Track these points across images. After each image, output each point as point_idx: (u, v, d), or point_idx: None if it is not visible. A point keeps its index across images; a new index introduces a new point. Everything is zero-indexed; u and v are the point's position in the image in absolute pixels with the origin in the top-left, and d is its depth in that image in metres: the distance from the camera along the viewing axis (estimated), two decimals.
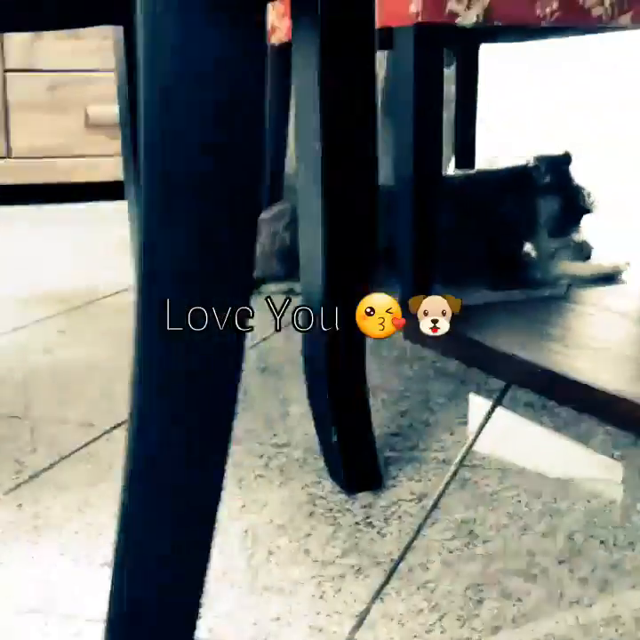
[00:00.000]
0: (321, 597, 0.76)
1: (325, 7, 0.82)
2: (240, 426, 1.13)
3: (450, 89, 2.27)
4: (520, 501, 0.92)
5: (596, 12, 1.51)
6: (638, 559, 0.81)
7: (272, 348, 1.46)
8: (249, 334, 1.70)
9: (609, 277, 1.87)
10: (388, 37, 1.48)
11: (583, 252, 1.91)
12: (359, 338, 0.92)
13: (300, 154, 0.89)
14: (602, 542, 0.84)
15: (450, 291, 1.84)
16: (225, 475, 0.60)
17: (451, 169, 2.25)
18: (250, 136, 0.48)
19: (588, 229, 1.97)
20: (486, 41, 1.99)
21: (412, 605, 0.74)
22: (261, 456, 1.04)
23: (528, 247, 1.91)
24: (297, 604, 0.75)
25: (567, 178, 1.91)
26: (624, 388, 1.12)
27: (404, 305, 1.55)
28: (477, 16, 1.43)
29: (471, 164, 2.12)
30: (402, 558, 0.82)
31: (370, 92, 0.85)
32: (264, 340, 1.52)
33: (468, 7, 1.42)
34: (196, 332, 0.51)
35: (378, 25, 1.52)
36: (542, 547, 0.83)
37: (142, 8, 0.46)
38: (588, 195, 1.90)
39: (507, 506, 0.91)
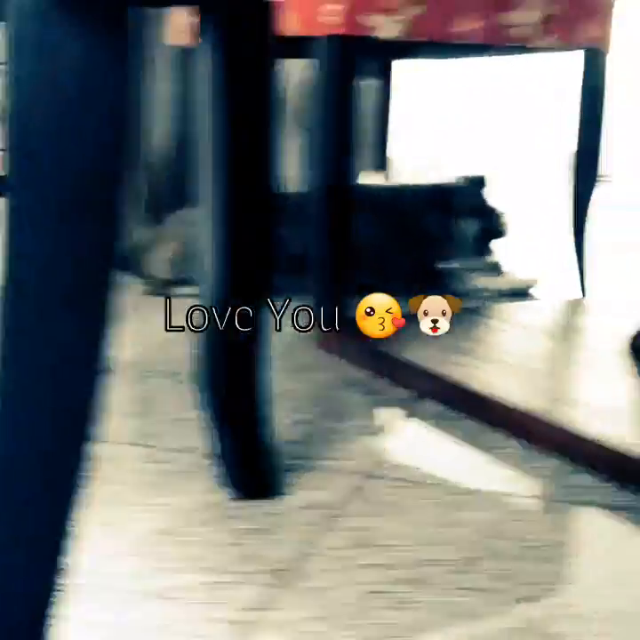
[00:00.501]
0: (208, 605, 0.74)
1: (228, 19, 0.81)
2: (140, 430, 1.11)
3: (374, 101, 2.28)
4: (420, 511, 0.91)
5: (519, 32, 1.53)
6: (530, 571, 0.80)
7: (179, 351, 1.43)
8: (149, 335, 1.65)
9: (522, 292, 1.90)
10: (304, 46, 1.48)
11: (496, 272, 1.95)
12: (250, 343, 0.90)
13: (200, 159, 0.88)
14: (496, 553, 0.83)
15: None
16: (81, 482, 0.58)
17: (379, 179, 2.25)
18: (107, 137, 0.47)
19: (499, 249, 2.01)
20: (410, 56, 2.00)
21: (302, 613, 0.73)
22: (157, 461, 1.02)
23: (447, 261, 1.93)
24: (183, 612, 0.73)
25: (484, 201, 1.96)
26: (526, 400, 1.12)
27: (318, 309, 1.55)
28: (400, 31, 1.44)
29: (386, 173, 2.13)
30: (296, 566, 0.80)
31: (269, 102, 0.84)
32: (167, 342, 1.49)
33: (389, 22, 1.43)
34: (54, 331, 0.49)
35: (298, 33, 1.52)
36: (438, 556, 0.83)
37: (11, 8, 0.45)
38: (501, 218, 1.95)
39: (406, 516, 0.90)
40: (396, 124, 2.17)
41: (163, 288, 1.80)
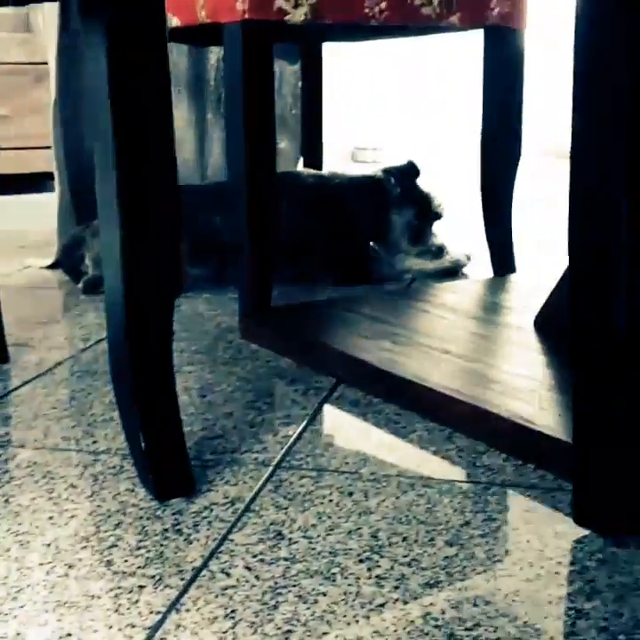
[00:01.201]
0: (116, 611, 0.74)
1: (112, 9, 0.80)
2: (60, 433, 1.10)
3: (297, 86, 2.28)
4: (332, 500, 0.93)
5: (425, 11, 1.54)
6: (436, 555, 0.82)
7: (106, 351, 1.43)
8: (81, 336, 1.66)
9: (451, 271, 1.91)
10: (218, 33, 1.47)
11: (442, 254, 1.96)
12: (163, 341, 0.91)
13: (95, 156, 0.87)
14: (404, 539, 0.85)
15: (296, 286, 1.86)
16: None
17: (300, 166, 2.25)
18: None
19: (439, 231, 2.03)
20: (324, 40, 1.99)
21: (208, 614, 0.74)
22: (77, 465, 1.02)
23: (374, 244, 1.94)
24: (90, 620, 0.73)
25: (416, 188, 1.97)
26: (443, 383, 1.14)
27: (243, 300, 1.55)
28: (305, 14, 1.43)
29: (319, 160, 2.13)
30: (205, 565, 0.81)
31: (163, 92, 0.84)
32: (98, 342, 1.48)
33: (296, 5, 1.42)
34: None
35: (208, 20, 1.51)
36: (346, 546, 0.84)
37: None
38: (436, 201, 1.96)
39: (318, 506, 0.92)
40: (326, 108, 2.17)
41: (96, 286, 1.78)
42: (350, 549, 0.83)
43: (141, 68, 0.82)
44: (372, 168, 2.11)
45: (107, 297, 0.92)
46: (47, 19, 1.98)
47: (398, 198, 1.94)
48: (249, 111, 1.43)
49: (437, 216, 1.99)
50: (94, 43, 0.83)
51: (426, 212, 1.98)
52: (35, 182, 3.16)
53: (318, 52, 2.08)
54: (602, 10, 0.74)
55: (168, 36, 1.72)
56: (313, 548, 0.84)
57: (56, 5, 1.91)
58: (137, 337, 0.89)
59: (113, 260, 0.88)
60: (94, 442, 1.08)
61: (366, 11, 1.48)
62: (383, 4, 1.49)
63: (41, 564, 0.81)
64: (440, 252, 1.96)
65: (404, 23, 1.53)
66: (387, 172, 1.97)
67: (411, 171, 1.98)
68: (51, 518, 0.90)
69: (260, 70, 1.44)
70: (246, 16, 1.39)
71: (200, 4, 1.47)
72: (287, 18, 1.43)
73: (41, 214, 2.57)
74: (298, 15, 1.43)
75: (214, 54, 2.28)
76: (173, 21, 1.55)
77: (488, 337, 1.36)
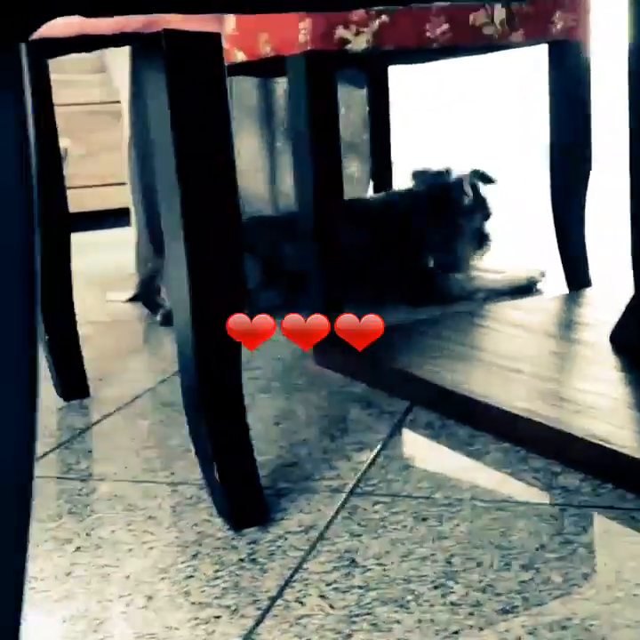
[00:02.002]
0: None
1: (170, 52, 0.82)
2: (139, 465, 1.13)
3: (365, 110, 2.29)
4: (405, 526, 0.93)
5: (487, 30, 1.53)
6: (511, 580, 0.81)
7: None
8: (160, 368, 1.69)
9: (525, 288, 1.89)
10: (282, 64, 1.50)
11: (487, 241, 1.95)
12: (233, 371, 0.92)
13: (160, 192, 0.90)
14: (479, 564, 0.84)
15: (368, 310, 1.87)
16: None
17: (370, 190, 2.27)
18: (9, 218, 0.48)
19: (499, 244, 2.02)
20: (388, 64, 2.00)
21: None
22: (155, 496, 1.04)
23: (443, 263, 1.93)
24: None
25: (481, 193, 1.96)
26: (517, 403, 1.13)
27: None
28: (367, 41, 1.45)
29: (389, 183, 2.14)
30: (280, 595, 0.82)
31: (225, 128, 0.86)
32: (176, 373, 1.51)
33: (358, 33, 1.44)
34: None
35: (272, 54, 1.54)
36: (420, 572, 0.84)
37: None
38: (489, 210, 1.97)
39: (391, 532, 0.92)
40: (396, 130, 2.18)
41: (172, 318, 1.82)
42: (424, 576, 0.83)
43: (202, 106, 0.85)
44: (438, 164, 2.10)
45: (176, 328, 0.94)
46: (120, 60, 2.04)
47: (467, 206, 1.94)
48: (315, 140, 1.45)
49: (490, 214, 2.00)
50: (155, 84, 0.85)
51: (487, 213, 1.97)
52: (114, 218, 3.25)
53: (384, 75, 2.09)
54: None
55: (235, 69, 1.76)
56: (387, 575, 0.84)
57: (127, 47, 1.97)
58: (206, 367, 0.91)
59: (181, 292, 0.90)
60: (172, 473, 1.10)
61: (428, 34, 1.49)
62: (445, 27, 1.49)
63: (120, 596, 0.83)
64: (486, 239, 1.96)
65: (468, 44, 1.53)
66: (456, 180, 1.97)
67: (476, 175, 1.98)
68: (130, 550, 0.92)
69: (325, 98, 1.46)
70: (309, 47, 1.42)
71: (264, 39, 1.49)
72: (349, 46, 1.44)
73: (120, 249, 2.64)
74: (359, 43, 1.44)
75: (281, 84, 2.31)
76: (239, 56, 1.58)
77: (563, 354, 1.34)
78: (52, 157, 1.30)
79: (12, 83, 0.49)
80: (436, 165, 2.04)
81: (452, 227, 1.94)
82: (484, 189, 1.97)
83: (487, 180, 1.99)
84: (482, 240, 1.97)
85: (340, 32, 1.43)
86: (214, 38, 0.84)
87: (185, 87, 0.84)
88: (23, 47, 0.51)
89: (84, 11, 0.52)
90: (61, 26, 0.78)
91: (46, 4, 0.47)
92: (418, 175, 1.99)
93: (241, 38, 1.54)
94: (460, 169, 2.02)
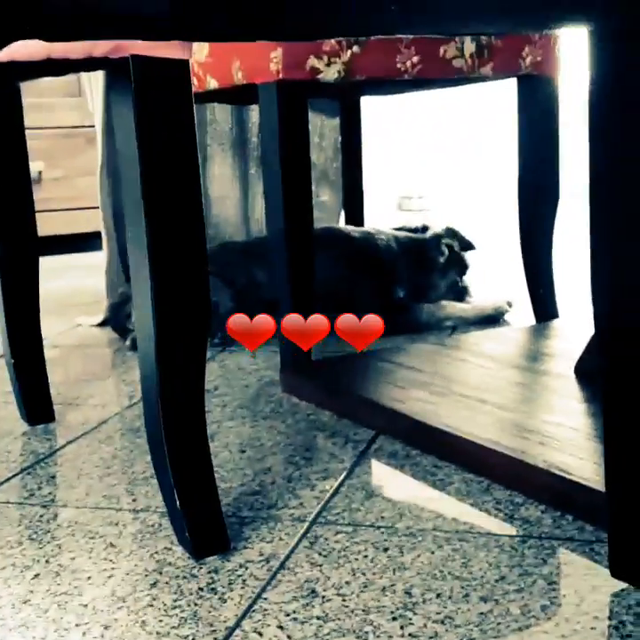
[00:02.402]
0: None
1: (138, 77, 0.83)
2: (101, 491, 1.12)
3: (337, 139, 2.31)
4: (366, 556, 0.93)
5: (457, 63, 1.55)
6: (470, 612, 0.81)
7: None
8: (127, 393, 1.68)
9: (493, 319, 1.91)
10: (255, 92, 1.51)
11: (464, 298, 2.00)
12: (196, 402, 0.92)
13: (126, 217, 0.90)
14: (438, 595, 0.84)
15: (336, 338, 1.88)
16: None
17: (342, 218, 2.28)
18: None
19: (467, 277, 2.05)
20: (360, 94, 2.02)
21: None
22: (117, 523, 1.03)
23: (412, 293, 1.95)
24: None
25: (456, 250, 2.01)
26: (480, 433, 1.14)
27: (284, 353, 1.57)
28: (339, 72, 1.46)
29: (360, 212, 2.15)
30: (238, 625, 0.81)
31: (191, 154, 0.86)
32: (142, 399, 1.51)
33: (329, 63, 1.45)
34: None
35: (244, 81, 1.55)
36: (379, 603, 0.84)
37: None
38: (465, 260, 2.03)
39: (352, 562, 0.91)
40: (371, 158, 2.20)
41: None
42: (383, 606, 0.83)
43: (169, 132, 0.85)
44: (417, 220, 2.15)
45: (140, 354, 0.94)
46: (93, 85, 2.05)
47: (442, 263, 1.99)
48: (286, 167, 1.46)
49: (466, 266, 2.04)
50: (122, 109, 0.86)
51: (463, 269, 2.03)
52: (85, 242, 3.24)
53: (356, 105, 2.11)
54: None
55: (208, 96, 1.77)
56: (346, 606, 0.83)
57: (102, 72, 1.98)
58: (169, 394, 0.91)
59: (145, 318, 0.90)
60: (134, 500, 1.10)
61: (399, 66, 1.50)
62: (415, 59, 1.51)
63: (77, 625, 0.83)
64: (463, 295, 2.00)
65: (438, 76, 1.55)
66: (434, 237, 2.01)
67: (453, 234, 2.02)
68: (89, 578, 0.91)
69: (296, 127, 1.47)
70: (280, 76, 1.43)
71: (236, 67, 1.50)
72: (320, 76, 1.45)
73: (92, 273, 2.63)
74: (331, 73, 1.46)
75: (255, 112, 2.32)
76: (212, 83, 1.59)
77: (528, 385, 1.35)
78: (22, 181, 1.30)
79: None
80: (414, 222, 2.09)
81: (427, 283, 1.98)
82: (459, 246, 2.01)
83: (465, 245, 2.03)
84: (459, 293, 2.01)
85: (312, 62, 1.44)
86: (182, 65, 0.85)
87: (152, 113, 0.85)
88: None
89: (44, 35, 0.53)
90: (28, 49, 0.79)
91: (4, 29, 0.47)
92: (396, 231, 2.04)
93: (214, 66, 1.55)
94: (436, 226, 2.06)
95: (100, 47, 0.82)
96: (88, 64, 0.89)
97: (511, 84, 1.73)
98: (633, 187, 0.76)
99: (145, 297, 0.89)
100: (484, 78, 1.62)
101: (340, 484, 1.11)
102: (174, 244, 0.89)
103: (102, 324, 2.08)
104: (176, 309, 0.90)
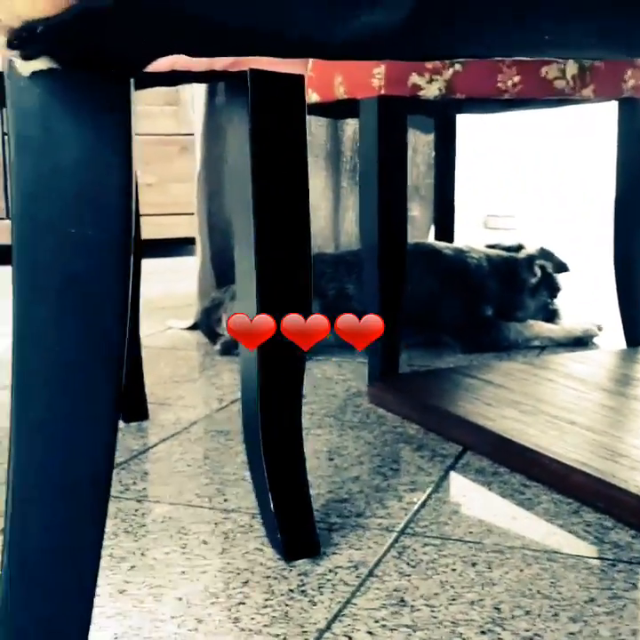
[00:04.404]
0: None
1: (255, 91, 0.85)
2: (193, 490, 1.15)
3: (430, 155, 2.32)
4: (455, 570, 0.93)
5: (558, 84, 1.55)
6: (559, 631, 0.82)
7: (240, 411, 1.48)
8: (217, 396, 1.72)
9: (581, 341, 1.89)
10: (354, 107, 1.53)
11: (554, 319, 1.99)
12: (294, 404, 0.94)
13: (235, 226, 0.93)
14: (527, 612, 0.85)
15: (423, 353, 1.88)
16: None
17: (431, 234, 2.29)
18: (113, 229, 0.52)
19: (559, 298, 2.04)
20: (458, 112, 2.03)
21: None
22: (209, 521, 1.06)
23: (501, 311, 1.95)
24: None
25: (549, 271, 2.00)
26: (569, 454, 1.13)
27: (372, 365, 1.58)
28: (440, 89, 1.48)
29: (451, 228, 2.16)
30: (328, 628, 0.83)
31: (302, 167, 0.89)
32: (232, 402, 1.54)
33: (431, 81, 1.47)
34: None
35: (345, 96, 1.58)
36: (467, 616, 0.84)
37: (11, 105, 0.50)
38: (556, 278, 2.02)
39: (441, 575, 0.92)
40: (460, 176, 2.20)
41: (231, 348, 1.85)
42: (472, 620, 0.84)
43: (281, 145, 0.88)
44: (510, 239, 2.15)
45: (242, 360, 0.97)
46: (195, 95, 2.10)
47: (533, 284, 1.98)
48: (383, 182, 1.48)
49: (559, 289, 2.03)
50: (237, 121, 0.89)
51: (554, 291, 2.02)
52: (177, 246, 3.31)
53: (452, 122, 2.12)
54: None
55: (308, 109, 1.80)
56: (435, 617, 0.84)
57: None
58: (268, 399, 0.93)
59: None
60: (225, 500, 1.13)
61: (500, 85, 1.51)
62: (516, 78, 1.52)
63: (173, 617, 0.85)
64: (554, 316, 1.99)
65: (538, 96, 1.55)
66: (527, 257, 2.00)
67: (546, 256, 2.02)
68: (183, 572, 0.94)
69: (395, 142, 1.49)
70: (382, 92, 1.45)
71: (338, 81, 1.53)
72: (421, 93, 1.47)
73: (183, 277, 2.69)
74: (432, 90, 1.47)
75: (350, 126, 2.35)
76: (313, 97, 1.62)
77: (617, 409, 1.34)
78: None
79: (124, 111, 0.53)
80: (508, 241, 2.09)
81: (516, 302, 1.98)
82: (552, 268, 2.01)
83: (559, 267, 2.02)
84: (549, 315, 2.00)
85: (414, 79, 1.46)
86: (297, 80, 0.88)
87: (266, 125, 0.88)
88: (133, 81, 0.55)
89: (189, 51, 0.55)
90: (156, 62, 0.82)
91: (157, 45, 0.50)
92: (490, 248, 2.04)
93: (316, 80, 1.58)
94: (530, 246, 2.06)
95: (221, 61, 0.85)
96: (206, 76, 0.92)
97: (606, 106, 1.72)
98: None
99: (250, 305, 0.92)
100: (584, 100, 1.62)
101: (428, 497, 1.12)
102: (281, 255, 0.91)
103: (192, 328, 2.13)
104: (279, 318, 0.92)
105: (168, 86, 1.09)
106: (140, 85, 1.20)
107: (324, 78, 1.57)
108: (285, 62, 0.88)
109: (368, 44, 0.47)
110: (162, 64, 0.84)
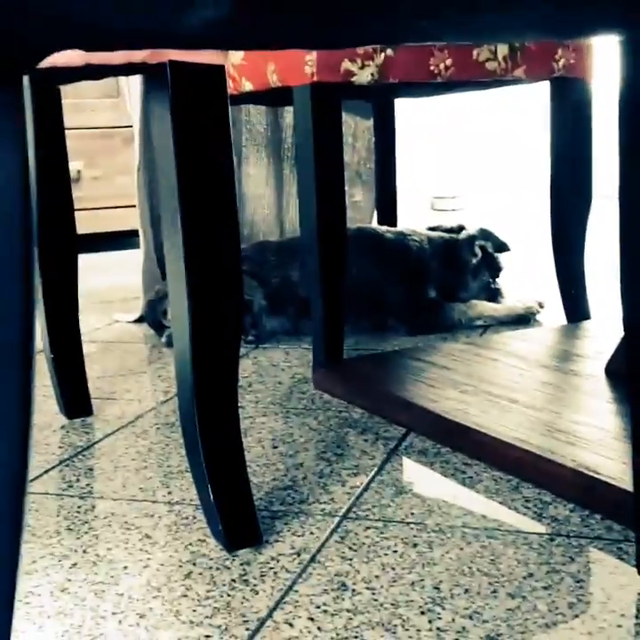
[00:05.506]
0: None
1: (175, 82, 0.85)
2: (138, 484, 1.15)
3: (371, 140, 2.32)
4: (396, 551, 0.94)
5: (490, 66, 1.56)
6: (498, 608, 0.83)
7: None
8: (163, 389, 1.71)
9: (524, 319, 1.91)
10: (290, 94, 1.53)
11: (496, 299, 2.01)
12: (229, 394, 0.94)
13: (162, 216, 0.93)
14: (466, 591, 0.86)
15: (372, 336, 1.89)
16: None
17: (374, 221, 2.30)
18: (8, 236, 0.51)
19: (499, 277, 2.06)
20: (393, 96, 2.04)
21: None
22: (152, 515, 1.06)
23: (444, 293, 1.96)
24: None
25: (490, 251, 2.01)
26: (510, 432, 1.15)
27: (316, 351, 1.58)
28: (372, 74, 1.48)
29: (393, 213, 2.17)
30: (269, 616, 0.83)
31: (226, 157, 0.89)
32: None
33: (363, 66, 1.47)
34: None
35: (279, 84, 1.57)
36: (408, 597, 0.85)
37: None
38: (498, 260, 2.04)
39: (382, 557, 0.93)
40: (405, 159, 2.22)
41: None
42: (412, 601, 0.85)
43: (204, 135, 0.87)
44: (452, 220, 2.16)
45: (176, 350, 0.96)
46: (132, 86, 2.08)
47: (474, 264, 2.00)
48: (319, 168, 1.48)
49: (500, 269, 2.05)
50: (160, 112, 0.88)
51: (496, 271, 2.03)
52: (123, 240, 3.28)
53: (390, 106, 2.12)
54: None
55: (243, 98, 1.79)
56: (376, 600, 0.85)
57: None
58: (203, 389, 0.93)
59: (181, 315, 0.92)
60: (169, 492, 1.12)
61: (432, 68, 1.51)
62: (448, 62, 1.52)
63: (114, 614, 0.85)
64: (495, 296, 2.01)
65: (470, 79, 1.56)
66: (467, 238, 2.02)
67: (486, 236, 2.03)
68: (125, 568, 0.94)
69: (330, 128, 1.49)
70: (315, 79, 1.45)
71: (271, 69, 1.53)
72: (354, 79, 1.47)
73: (130, 270, 2.67)
74: (364, 76, 1.47)
75: (290, 113, 2.35)
76: (247, 86, 1.61)
77: (557, 385, 1.36)
78: (61, 179, 1.33)
79: (13, 112, 0.52)
80: (449, 222, 2.10)
81: (459, 283, 1.99)
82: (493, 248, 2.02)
83: (499, 247, 2.04)
84: (492, 294, 2.02)
85: (346, 65, 1.46)
86: (217, 70, 0.87)
87: (188, 117, 0.87)
88: (26, 78, 0.54)
89: (83, 46, 0.55)
90: (68, 56, 0.81)
91: (45, 41, 0.49)
92: (431, 231, 2.05)
93: (249, 68, 1.58)
94: (471, 227, 2.07)
95: (138, 53, 0.84)
96: (127, 69, 0.91)
97: (545, 86, 1.73)
98: None
99: (180, 294, 0.91)
100: (516, 81, 1.63)
101: (371, 481, 1.13)
102: (209, 244, 0.91)
103: (139, 321, 2.11)
104: (210, 306, 0.92)
105: (92, 80, 1.08)
106: (61, 81, 1.19)
107: (256, 67, 1.56)
108: (206, 53, 0.88)
109: (209, 34, 0.53)
110: (75, 58, 0.84)
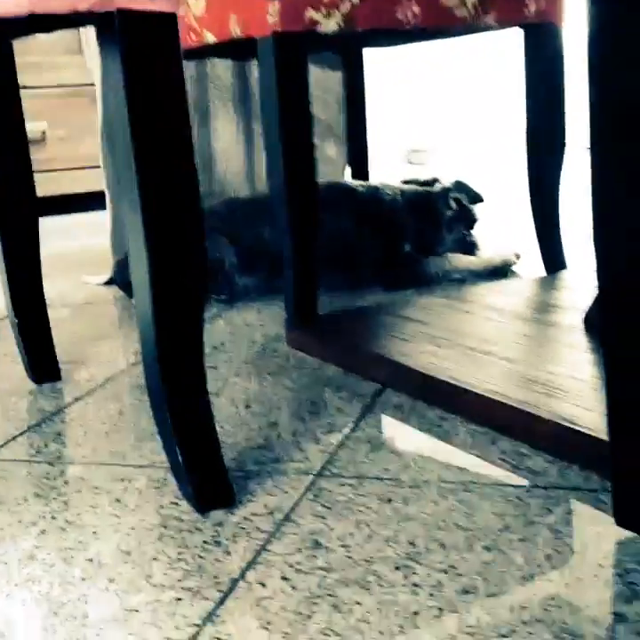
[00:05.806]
0: (154, 624, 0.75)
1: (124, 32, 0.81)
2: (108, 448, 1.13)
3: (341, 93, 2.28)
4: (370, 508, 0.93)
5: (459, 13, 1.52)
6: (474, 561, 0.81)
7: None
8: (133, 350, 1.69)
9: (501, 271, 1.89)
10: (254, 46, 1.48)
11: (472, 251, 1.99)
12: (195, 353, 0.92)
13: (119, 173, 0.89)
14: (442, 545, 0.84)
15: (344, 293, 1.87)
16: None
17: (347, 172, 2.26)
18: None
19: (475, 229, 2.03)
20: (361, 46, 1.99)
21: (243, 625, 0.74)
22: (122, 479, 1.04)
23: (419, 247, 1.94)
24: (128, 634, 0.74)
25: (465, 204, 1.99)
26: (486, 385, 1.13)
27: (289, 309, 1.56)
28: (338, 23, 1.44)
29: (365, 166, 2.13)
30: (242, 577, 0.82)
31: (181, 108, 0.85)
32: None
33: (328, 15, 1.43)
34: None
35: (241, 35, 1.53)
36: (383, 554, 0.84)
37: None
38: (472, 212, 2.01)
39: (356, 514, 0.92)
40: (380, 111, 2.18)
41: None
42: (387, 557, 0.83)
43: (157, 86, 0.84)
44: (426, 173, 2.13)
45: (137, 310, 0.93)
46: (91, 42, 2.02)
47: (449, 217, 1.97)
48: (285, 122, 1.44)
49: (474, 220, 2.03)
50: (110, 64, 0.84)
51: (471, 223, 2.01)
52: (91, 201, 3.23)
53: (359, 57, 2.08)
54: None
55: (207, 51, 1.74)
56: (350, 557, 0.84)
57: None
58: (167, 350, 0.91)
59: (141, 274, 0.89)
60: (140, 456, 1.10)
61: (399, 16, 1.47)
62: (416, 8, 1.48)
63: (83, 579, 0.83)
64: (472, 248, 1.99)
65: (439, 26, 1.52)
66: (441, 190, 1.99)
67: (461, 188, 2.00)
68: (95, 533, 0.92)
69: (295, 80, 1.45)
70: (278, 29, 1.40)
71: (233, 20, 1.48)
72: (319, 28, 1.43)
73: (98, 232, 2.63)
74: (330, 25, 1.43)
75: (257, 67, 2.29)
76: (209, 38, 1.56)
77: (535, 337, 1.34)
78: (19, 140, 1.29)
79: None
80: (422, 175, 2.07)
81: (434, 236, 1.96)
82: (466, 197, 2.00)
83: (473, 198, 2.01)
84: (467, 247, 1.99)
85: (310, 13, 1.42)
86: (169, 18, 0.83)
87: (140, 68, 0.83)
88: None
89: None
90: (11, 4, 0.77)
91: None
92: (405, 184, 2.02)
93: (211, 20, 1.53)
94: (446, 179, 2.04)
95: (84, 1, 0.80)
96: (74, 19, 0.87)
97: (521, 34, 1.70)
98: (632, 140, 0.75)
99: (140, 254, 0.88)
100: (487, 28, 1.59)
101: (346, 438, 1.11)
102: (167, 201, 0.88)
103: (109, 283, 2.08)
104: (172, 262, 0.89)
105: (41, 33, 1.03)
106: (9, 35, 1.15)
107: (218, 17, 1.52)
108: (158, 0, 0.84)
109: None
110: (18, 7, 0.79)
